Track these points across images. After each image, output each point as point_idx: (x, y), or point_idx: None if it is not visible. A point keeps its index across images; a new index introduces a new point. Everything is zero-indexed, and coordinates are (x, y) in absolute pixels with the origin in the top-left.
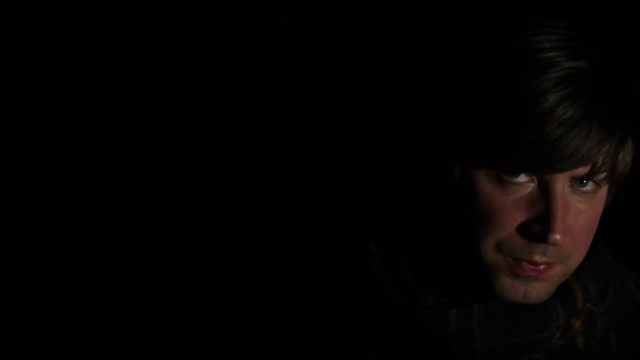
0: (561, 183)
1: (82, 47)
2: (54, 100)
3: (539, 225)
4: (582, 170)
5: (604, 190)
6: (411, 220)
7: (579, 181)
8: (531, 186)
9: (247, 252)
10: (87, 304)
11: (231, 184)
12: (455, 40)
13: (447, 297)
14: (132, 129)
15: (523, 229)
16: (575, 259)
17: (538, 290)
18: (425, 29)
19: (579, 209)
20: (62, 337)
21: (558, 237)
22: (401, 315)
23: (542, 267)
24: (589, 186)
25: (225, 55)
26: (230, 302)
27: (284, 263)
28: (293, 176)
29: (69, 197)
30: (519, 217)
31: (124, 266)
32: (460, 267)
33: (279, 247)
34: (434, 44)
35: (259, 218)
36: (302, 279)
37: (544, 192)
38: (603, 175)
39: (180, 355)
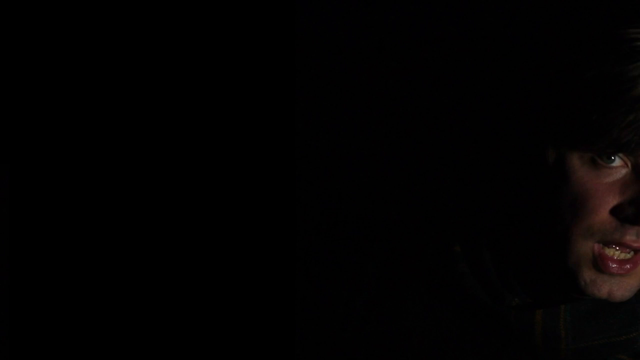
0: None
1: (168, 47)
2: (143, 98)
3: (632, 207)
4: None
5: None
6: (499, 213)
7: None
8: (624, 171)
9: (332, 251)
10: (174, 301)
11: (317, 184)
12: (553, 29)
13: (533, 297)
14: (222, 130)
15: (615, 212)
16: None
17: (623, 288)
18: (522, 16)
19: None
20: (153, 333)
21: None
22: (486, 315)
23: (627, 265)
24: None
25: (312, 54)
26: (316, 302)
27: (369, 264)
28: (379, 175)
29: (165, 196)
30: (611, 200)
31: (211, 265)
32: (547, 264)
33: (364, 248)
34: (531, 31)
35: (344, 218)
36: (389, 280)
37: (638, 176)
38: None
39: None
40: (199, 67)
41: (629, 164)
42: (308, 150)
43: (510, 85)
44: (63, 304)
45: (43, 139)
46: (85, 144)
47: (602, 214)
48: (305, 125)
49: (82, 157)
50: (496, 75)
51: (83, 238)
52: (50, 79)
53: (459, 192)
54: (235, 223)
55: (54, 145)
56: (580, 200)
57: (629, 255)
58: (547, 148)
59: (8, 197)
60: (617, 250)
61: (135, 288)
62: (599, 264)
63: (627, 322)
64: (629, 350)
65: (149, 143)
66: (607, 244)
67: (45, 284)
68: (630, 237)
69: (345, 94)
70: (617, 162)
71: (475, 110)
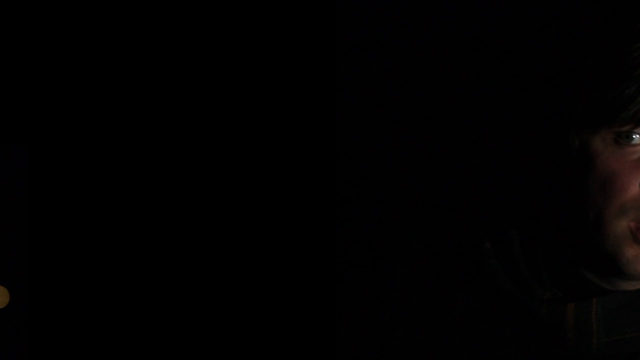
0: None
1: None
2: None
3: None
4: None
5: None
6: (528, 207)
7: None
8: None
9: (370, 249)
10: (219, 300)
11: (354, 184)
12: (562, 25)
13: (563, 291)
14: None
15: None
16: None
17: None
18: (535, 15)
19: None
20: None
21: None
22: (518, 310)
23: None
24: None
25: (353, 55)
26: (355, 299)
27: (405, 262)
28: (412, 176)
29: (206, 198)
30: (639, 176)
31: (255, 264)
32: (581, 252)
33: (400, 246)
34: (544, 29)
35: (382, 217)
36: (418, 280)
37: None
38: None
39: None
40: (238, 69)
41: None
42: (347, 156)
43: (529, 80)
44: (83, 283)
45: (60, 122)
46: (104, 128)
47: (632, 191)
48: (341, 137)
49: (98, 141)
50: (516, 73)
51: (102, 216)
52: (69, 64)
53: (487, 189)
54: (282, 229)
55: (71, 128)
56: (609, 181)
57: None
58: (570, 136)
59: (27, 177)
60: None
61: (169, 283)
62: (639, 237)
63: None
64: None
65: (173, 135)
66: None
67: (64, 262)
68: None
69: (369, 94)
70: (639, 139)
71: (499, 108)
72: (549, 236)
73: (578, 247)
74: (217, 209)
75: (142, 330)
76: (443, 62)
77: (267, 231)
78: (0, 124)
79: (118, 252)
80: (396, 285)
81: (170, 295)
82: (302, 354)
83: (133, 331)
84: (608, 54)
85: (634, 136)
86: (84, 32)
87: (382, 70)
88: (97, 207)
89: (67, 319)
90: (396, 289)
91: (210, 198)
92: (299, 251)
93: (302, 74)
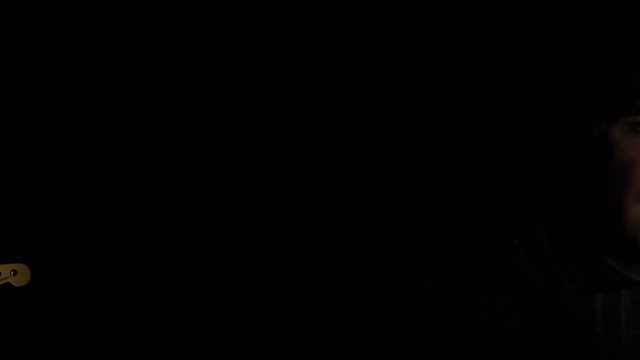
0: None
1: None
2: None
3: None
4: None
5: None
6: (554, 201)
7: None
8: None
9: (407, 245)
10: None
11: (393, 188)
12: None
13: (592, 283)
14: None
15: None
16: None
17: None
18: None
19: None
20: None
21: None
22: (547, 303)
23: None
24: None
25: (395, 54)
26: (393, 291)
27: (438, 257)
28: (444, 176)
29: (244, 196)
30: None
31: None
32: (603, 244)
33: (434, 243)
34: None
35: (417, 215)
36: (455, 272)
37: None
38: None
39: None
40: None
41: None
42: (387, 159)
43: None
44: (103, 261)
45: (80, 102)
46: (124, 108)
47: None
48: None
49: (119, 120)
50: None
51: (123, 195)
52: (89, 45)
53: (514, 186)
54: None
55: (91, 108)
56: (627, 168)
57: None
58: (590, 129)
59: (48, 156)
60: None
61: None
62: None
63: None
64: None
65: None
66: None
67: (85, 240)
68: None
69: (409, 96)
70: None
71: (521, 108)
72: (574, 228)
73: (601, 236)
74: (269, 199)
75: (164, 311)
76: (470, 60)
77: (314, 229)
78: (21, 104)
79: (138, 231)
80: (430, 280)
81: (186, 279)
82: (346, 344)
83: (155, 311)
84: (623, 47)
85: None
86: (106, 13)
87: (422, 69)
88: (118, 186)
89: (87, 296)
90: (430, 283)
91: (257, 187)
92: (344, 250)
93: (346, 73)
